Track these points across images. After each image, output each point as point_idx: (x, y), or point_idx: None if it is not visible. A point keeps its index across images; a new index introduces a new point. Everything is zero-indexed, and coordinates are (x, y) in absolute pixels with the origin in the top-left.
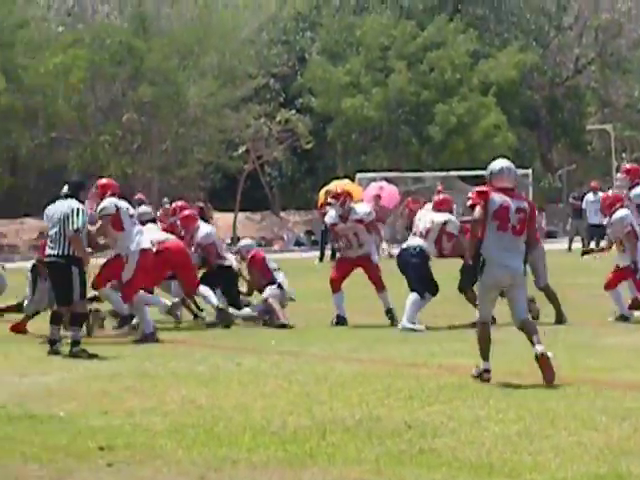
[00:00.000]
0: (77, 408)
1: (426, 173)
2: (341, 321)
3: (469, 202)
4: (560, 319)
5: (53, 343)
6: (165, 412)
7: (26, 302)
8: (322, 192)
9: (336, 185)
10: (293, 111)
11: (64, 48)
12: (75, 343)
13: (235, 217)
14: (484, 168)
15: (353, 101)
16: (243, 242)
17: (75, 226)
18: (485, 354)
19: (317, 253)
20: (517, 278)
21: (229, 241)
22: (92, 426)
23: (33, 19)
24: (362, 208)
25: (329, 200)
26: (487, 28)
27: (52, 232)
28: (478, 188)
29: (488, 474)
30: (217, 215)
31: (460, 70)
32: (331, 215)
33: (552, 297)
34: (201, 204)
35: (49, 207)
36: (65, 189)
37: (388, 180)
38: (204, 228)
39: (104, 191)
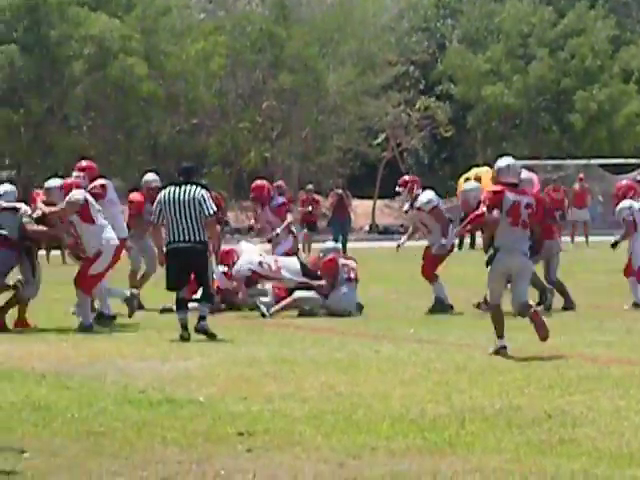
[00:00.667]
0: (216, 393)
1: (567, 161)
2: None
3: (486, 203)
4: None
5: (185, 327)
6: (304, 398)
7: (25, 286)
8: (461, 180)
9: (475, 173)
10: (433, 98)
11: (205, 35)
12: (202, 318)
13: (374, 204)
14: (626, 156)
15: (493, 88)
16: (326, 245)
17: (211, 210)
18: (500, 332)
19: (456, 241)
20: (524, 266)
21: (368, 228)
22: (231, 411)
23: (175, 6)
24: (423, 196)
25: (397, 189)
26: (629, 14)
27: (180, 218)
28: (493, 188)
29: (628, 464)
30: (356, 202)
31: (601, 57)
32: (405, 202)
33: (561, 289)
34: (340, 191)
35: (165, 193)
36: (182, 175)
37: (528, 168)
38: None
39: (86, 172)
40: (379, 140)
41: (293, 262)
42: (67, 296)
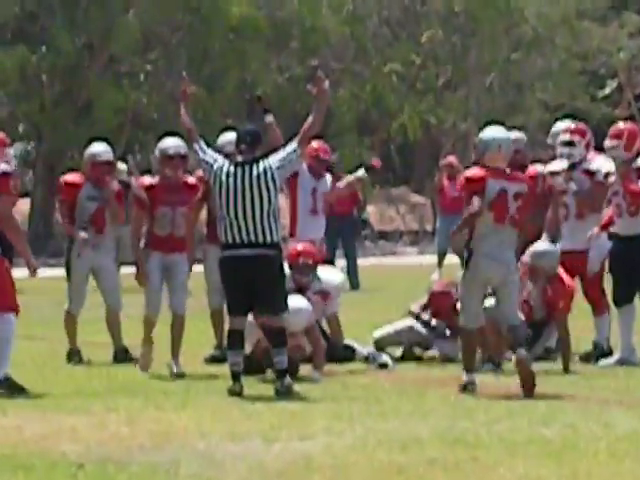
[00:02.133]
0: None
1: None
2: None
3: (464, 192)
4: None
5: (237, 377)
6: None
7: None
8: None
9: None
10: None
11: None
12: (282, 373)
13: None
14: None
15: None
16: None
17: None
18: (470, 365)
19: None
20: (510, 274)
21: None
22: None
23: None
24: None
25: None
26: None
27: (238, 212)
28: (470, 172)
29: None
30: None
31: None
32: None
33: None
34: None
35: (219, 174)
36: (244, 143)
37: None
38: None
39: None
40: (607, 90)
41: None
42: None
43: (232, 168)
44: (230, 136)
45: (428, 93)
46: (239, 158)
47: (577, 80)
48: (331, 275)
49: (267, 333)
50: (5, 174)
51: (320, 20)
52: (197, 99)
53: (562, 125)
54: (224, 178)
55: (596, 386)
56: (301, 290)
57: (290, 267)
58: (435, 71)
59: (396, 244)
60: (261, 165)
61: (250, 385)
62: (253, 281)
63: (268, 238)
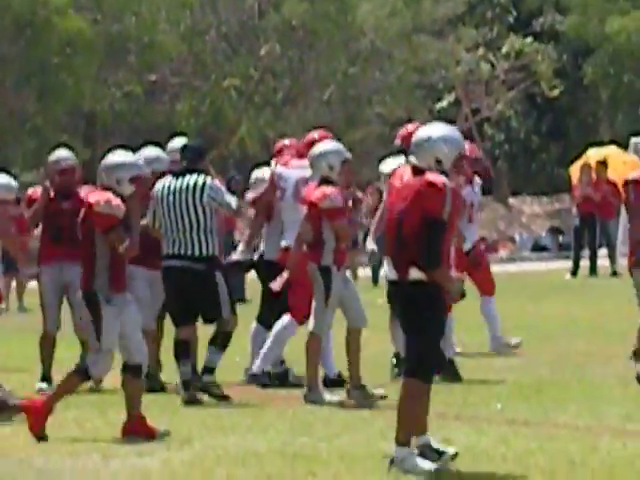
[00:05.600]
0: None
1: None
2: None
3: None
4: None
5: (187, 386)
6: None
7: None
8: (575, 167)
9: (597, 156)
10: (529, 38)
11: None
12: (208, 370)
13: None
14: None
15: (624, 21)
16: None
17: (233, 203)
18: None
19: (568, 263)
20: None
21: None
22: None
23: None
24: None
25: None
26: None
27: (177, 222)
28: None
29: None
30: None
31: None
32: None
33: None
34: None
35: (161, 187)
36: (186, 158)
37: None
38: None
39: None
40: (444, 103)
41: None
42: None
43: (169, 180)
44: (63, 152)
45: (267, 107)
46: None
47: (415, 94)
48: None
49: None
50: None
51: (158, 35)
52: (32, 113)
53: None
54: (164, 192)
55: (433, 400)
56: None
57: None
58: (273, 85)
59: None
60: (195, 178)
61: (87, 401)
62: (185, 292)
63: (197, 251)
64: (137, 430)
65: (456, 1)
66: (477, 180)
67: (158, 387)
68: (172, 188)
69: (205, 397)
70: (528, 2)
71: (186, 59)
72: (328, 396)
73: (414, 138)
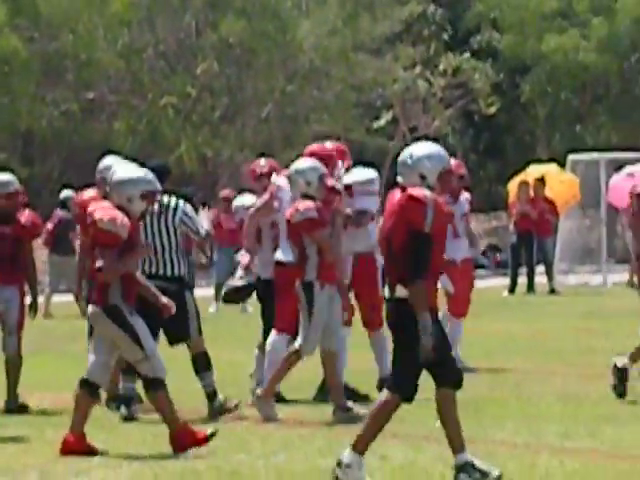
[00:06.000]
0: None
1: None
2: None
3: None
4: None
5: (128, 402)
6: None
7: None
8: (513, 184)
9: (535, 174)
10: (466, 55)
11: None
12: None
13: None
14: None
15: (561, 40)
16: None
17: (202, 230)
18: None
19: (506, 280)
20: None
21: None
22: None
23: None
24: None
25: None
26: None
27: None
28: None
29: None
30: None
31: None
32: None
33: None
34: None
35: None
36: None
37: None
38: None
39: None
40: (382, 122)
41: None
42: None
43: None
44: (107, 162)
45: (204, 125)
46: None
47: (352, 112)
48: None
49: (193, 359)
50: None
51: (95, 53)
52: None
53: None
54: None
55: (277, 421)
56: None
57: None
58: (211, 103)
59: None
60: (167, 200)
61: (25, 420)
62: (154, 310)
63: (169, 271)
64: (185, 441)
65: (393, 19)
66: (466, 195)
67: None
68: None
69: (140, 414)
70: (465, 20)
71: (124, 77)
72: (357, 408)
73: (400, 158)
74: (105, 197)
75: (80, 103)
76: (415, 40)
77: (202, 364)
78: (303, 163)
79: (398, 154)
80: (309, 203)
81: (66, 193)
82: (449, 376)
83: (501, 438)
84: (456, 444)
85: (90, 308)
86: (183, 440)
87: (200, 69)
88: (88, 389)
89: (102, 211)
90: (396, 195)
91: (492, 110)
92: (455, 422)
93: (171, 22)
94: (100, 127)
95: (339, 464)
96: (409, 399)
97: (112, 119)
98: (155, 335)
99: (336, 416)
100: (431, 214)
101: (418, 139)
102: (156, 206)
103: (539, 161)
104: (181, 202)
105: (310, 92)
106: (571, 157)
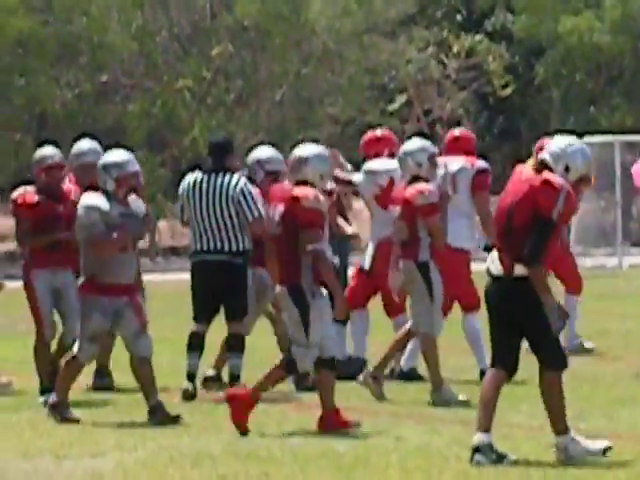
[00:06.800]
0: None
1: None
2: None
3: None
4: None
5: (192, 378)
6: None
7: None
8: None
9: None
10: (480, 36)
11: None
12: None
13: None
14: None
15: (577, 21)
16: None
17: (255, 212)
18: None
19: None
20: None
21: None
22: None
23: None
24: None
25: None
26: None
27: (208, 220)
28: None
29: None
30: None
31: None
32: None
33: None
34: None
35: (188, 183)
36: (213, 155)
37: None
38: None
39: None
40: (396, 105)
41: None
42: None
43: (200, 176)
44: (49, 150)
45: (219, 108)
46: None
47: (366, 94)
48: None
49: (227, 338)
50: None
51: (109, 35)
52: None
53: None
54: (191, 188)
55: (386, 400)
56: None
57: None
58: (226, 86)
59: (188, 260)
60: (229, 178)
61: (40, 404)
62: (218, 287)
63: (234, 246)
64: (333, 423)
65: (407, 1)
66: None
67: (110, 385)
68: (203, 186)
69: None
70: (479, 2)
71: (137, 60)
72: (459, 395)
73: (558, 141)
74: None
75: (94, 85)
76: (429, 22)
77: (237, 345)
78: (412, 144)
79: (411, 137)
80: (432, 187)
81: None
82: (554, 359)
83: (517, 421)
84: (558, 426)
85: (278, 288)
86: (331, 421)
87: (215, 52)
88: (325, 366)
89: (304, 190)
90: (524, 172)
91: (506, 92)
92: (561, 404)
93: (185, 4)
94: (114, 109)
95: (477, 449)
96: (565, 365)
97: (126, 102)
98: (216, 310)
99: (433, 397)
100: (562, 202)
101: (433, 122)
102: (219, 182)
103: None
104: (242, 181)
105: (324, 75)
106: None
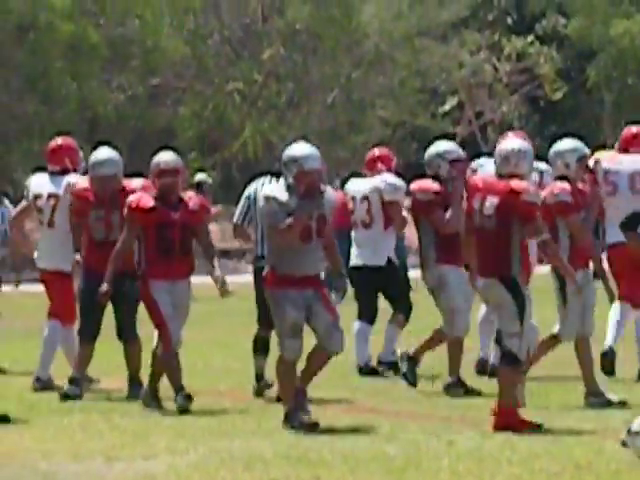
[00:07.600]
0: None
1: None
2: None
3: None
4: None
5: (260, 379)
6: None
7: None
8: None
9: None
10: (531, 38)
11: None
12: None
13: None
14: None
15: (629, 24)
16: None
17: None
18: None
19: None
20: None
21: None
22: None
23: None
24: None
25: None
26: None
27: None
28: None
29: None
30: None
31: None
32: None
33: None
34: None
35: (256, 188)
36: None
37: None
38: None
39: None
40: (448, 107)
41: None
42: None
43: (270, 179)
44: (168, 155)
45: (270, 111)
46: None
47: (417, 97)
48: None
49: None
50: None
51: (161, 39)
52: (35, 117)
53: None
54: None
55: (438, 404)
56: None
57: None
58: (277, 89)
59: (238, 262)
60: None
61: (92, 407)
62: None
63: (259, 251)
64: (507, 421)
65: (459, 5)
66: None
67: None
68: None
69: (210, 400)
70: (531, 5)
71: (189, 63)
72: (612, 396)
73: None
74: None
75: (145, 88)
76: (481, 25)
77: (263, 347)
78: (563, 144)
79: (464, 140)
80: (565, 186)
81: (200, 176)
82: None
83: (568, 425)
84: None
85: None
86: (505, 419)
87: (266, 55)
88: (505, 360)
89: (523, 183)
90: None
91: (558, 95)
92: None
93: (237, 8)
94: (165, 112)
95: (629, 431)
96: None
97: (177, 105)
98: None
99: (588, 401)
100: None
101: (484, 125)
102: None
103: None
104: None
105: (375, 78)
106: None
